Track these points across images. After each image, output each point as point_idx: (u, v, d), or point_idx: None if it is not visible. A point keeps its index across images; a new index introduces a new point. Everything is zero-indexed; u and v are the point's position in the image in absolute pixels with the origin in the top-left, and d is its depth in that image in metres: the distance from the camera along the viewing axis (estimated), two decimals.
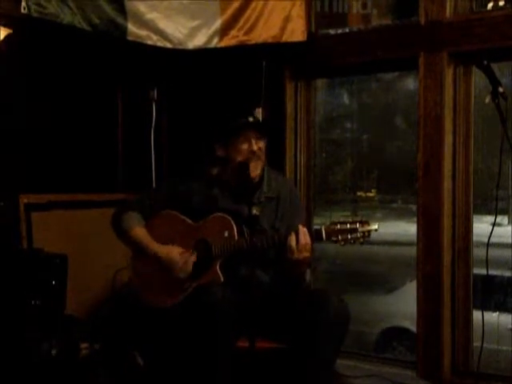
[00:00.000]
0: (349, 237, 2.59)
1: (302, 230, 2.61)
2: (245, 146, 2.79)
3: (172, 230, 2.92)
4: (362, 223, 2.60)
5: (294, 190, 3.08)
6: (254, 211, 2.70)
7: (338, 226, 2.61)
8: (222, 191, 2.89)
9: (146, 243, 2.89)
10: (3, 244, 3.33)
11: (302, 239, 2.60)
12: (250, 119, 2.82)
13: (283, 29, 3.58)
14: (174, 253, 2.83)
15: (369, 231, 2.59)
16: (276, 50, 3.66)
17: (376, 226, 2.61)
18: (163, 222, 2.95)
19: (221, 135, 2.88)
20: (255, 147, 2.78)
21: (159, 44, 3.42)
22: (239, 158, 2.79)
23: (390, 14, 3.78)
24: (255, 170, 2.80)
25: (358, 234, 2.59)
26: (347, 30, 3.74)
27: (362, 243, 2.61)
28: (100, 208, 3.65)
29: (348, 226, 2.60)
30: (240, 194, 2.82)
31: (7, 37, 3.23)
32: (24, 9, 2.95)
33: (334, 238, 2.61)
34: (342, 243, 2.61)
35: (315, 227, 2.67)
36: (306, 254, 2.62)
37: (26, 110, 3.57)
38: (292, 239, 2.61)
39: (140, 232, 2.91)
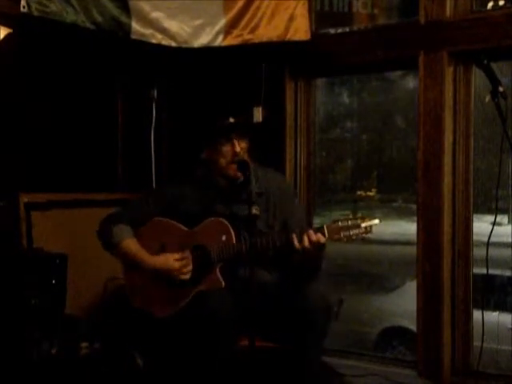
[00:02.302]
0: (351, 233, 2.58)
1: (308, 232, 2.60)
2: (227, 148, 2.76)
3: (165, 237, 2.87)
4: (363, 219, 2.60)
5: (284, 182, 3.05)
6: (254, 210, 2.68)
7: (340, 224, 2.60)
8: (212, 193, 2.85)
9: (140, 256, 2.84)
10: (3, 243, 3.33)
11: (314, 238, 2.59)
12: (231, 120, 2.80)
13: (287, 28, 3.58)
14: (170, 260, 2.79)
15: (370, 226, 2.59)
16: (276, 50, 3.66)
17: (377, 221, 2.60)
18: (155, 231, 2.89)
19: (204, 138, 2.87)
20: (238, 148, 2.75)
21: (164, 43, 3.42)
22: (223, 160, 2.78)
23: (390, 13, 3.78)
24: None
25: (360, 230, 2.58)
26: (347, 30, 3.74)
27: (363, 238, 2.61)
28: (100, 207, 3.63)
29: (349, 222, 2.59)
30: (231, 194, 2.81)
31: (7, 36, 3.22)
32: (23, 7, 2.93)
33: (336, 236, 2.60)
34: (345, 240, 2.60)
35: (317, 226, 2.65)
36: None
37: (26, 110, 3.57)
38: (295, 240, 2.60)
39: (132, 245, 2.85)
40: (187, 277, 2.78)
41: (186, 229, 2.85)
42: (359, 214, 2.63)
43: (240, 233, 2.75)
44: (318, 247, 2.61)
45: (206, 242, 2.78)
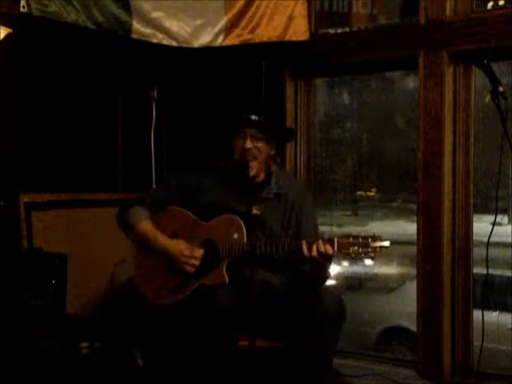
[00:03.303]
0: (360, 250, 2.56)
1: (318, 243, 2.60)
2: (240, 143, 2.79)
3: (179, 226, 2.90)
4: (374, 238, 2.56)
5: (304, 188, 3.06)
6: (254, 211, 2.68)
7: (351, 240, 2.57)
8: (230, 189, 2.87)
9: (153, 236, 2.87)
10: (3, 243, 3.33)
11: (322, 249, 2.58)
12: (253, 117, 2.80)
13: (287, 28, 3.59)
14: (181, 246, 2.82)
15: (380, 247, 2.56)
16: (276, 49, 3.66)
17: (387, 243, 2.57)
18: (170, 218, 2.93)
19: (225, 128, 2.88)
20: (249, 145, 2.76)
21: (164, 42, 3.41)
22: (236, 154, 2.80)
23: (390, 13, 3.78)
24: (250, 169, 2.79)
25: (370, 249, 2.55)
26: (347, 30, 3.74)
27: (372, 258, 2.59)
28: (100, 207, 3.65)
29: (360, 240, 2.56)
30: (246, 193, 2.81)
31: (7, 36, 3.22)
32: (23, 7, 2.93)
33: (345, 251, 2.58)
34: (353, 256, 2.57)
35: (328, 237, 2.64)
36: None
37: (26, 109, 3.57)
38: (305, 248, 2.60)
39: (147, 226, 2.89)
40: (192, 270, 2.79)
41: (199, 221, 2.88)
42: (372, 233, 2.59)
43: (252, 233, 2.75)
44: (326, 258, 2.62)
45: (217, 237, 2.80)
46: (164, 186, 3.08)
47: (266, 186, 2.86)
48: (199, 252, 2.81)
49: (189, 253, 2.80)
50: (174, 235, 2.89)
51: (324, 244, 2.58)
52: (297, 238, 2.74)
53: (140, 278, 2.97)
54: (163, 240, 2.86)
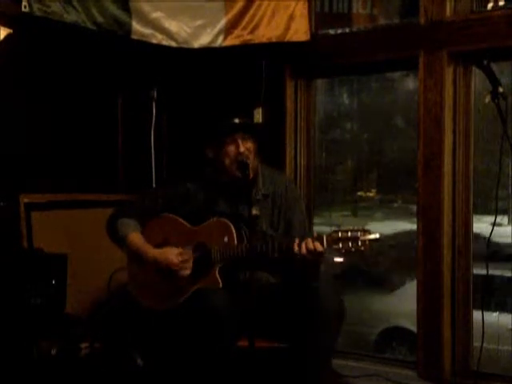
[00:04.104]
0: (350, 245, 2.55)
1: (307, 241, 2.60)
2: (232, 148, 2.79)
3: (170, 233, 2.91)
4: (364, 232, 2.55)
5: (290, 184, 3.05)
6: (254, 211, 2.69)
7: (340, 234, 2.57)
8: (219, 193, 2.88)
9: (143, 249, 2.88)
10: (3, 243, 3.33)
11: (311, 247, 2.58)
12: (236, 120, 2.82)
13: (287, 28, 3.59)
14: (171, 253, 2.82)
15: (370, 240, 2.55)
16: (276, 50, 3.66)
17: (378, 235, 2.56)
18: (161, 226, 2.94)
19: (209, 138, 2.90)
20: (242, 148, 2.78)
21: (164, 43, 3.42)
22: (227, 160, 2.80)
23: (390, 13, 3.79)
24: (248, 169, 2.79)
25: (359, 243, 2.54)
26: (347, 30, 3.74)
27: (363, 252, 2.56)
28: (100, 208, 3.64)
29: (349, 234, 2.55)
30: (236, 195, 2.82)
31: (7, 36, 3.22)
32: (25, 7, 2.94)
33: (335, 247, 2.57)
34: (343, 251, 2.56)
35: (316, 235, 2.63)
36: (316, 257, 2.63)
37: (26, 110, 3.57)
38: (295, 247, 2.60)
39: (136, 238, 2.89)
40: (187, 272, 2.80)
41: (190, 226, 2.88)
42: (361, 227, 2.58)
43: (243, 234, 2.76)
44: (316, 255, 2.61)
45: (208, 242, 2.80)
46: (151, 196, 3.06)
47: (253, 186, 2.86)
48: (189, 255, 2.81)
49: (178, 259, 2.80)
50: (164, 242, 2.89)
51: (313, 241, 2.58)
52: (287, 237, 2.74)
53: (134, 286, 2.97)
54: (151, 251, 2.86)
